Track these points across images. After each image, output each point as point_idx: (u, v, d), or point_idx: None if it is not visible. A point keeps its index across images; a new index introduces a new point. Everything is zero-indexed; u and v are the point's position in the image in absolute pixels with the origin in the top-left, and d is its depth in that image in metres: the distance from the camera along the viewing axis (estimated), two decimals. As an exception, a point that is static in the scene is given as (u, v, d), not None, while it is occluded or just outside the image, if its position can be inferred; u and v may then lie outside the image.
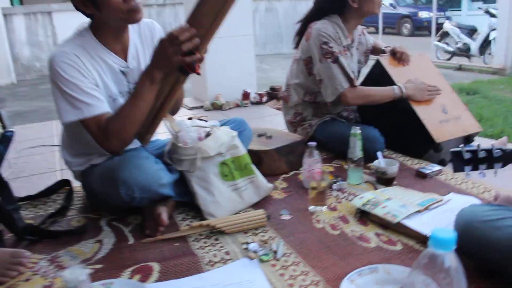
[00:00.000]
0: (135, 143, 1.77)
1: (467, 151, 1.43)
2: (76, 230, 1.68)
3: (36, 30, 8.64)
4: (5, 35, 8.16)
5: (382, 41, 2.59)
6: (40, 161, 2.68)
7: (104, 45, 1.61)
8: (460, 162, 1.43)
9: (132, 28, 1.68)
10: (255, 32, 9.67)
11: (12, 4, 12.17)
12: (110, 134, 1.51)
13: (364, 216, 1.66)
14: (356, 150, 1.93)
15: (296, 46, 2.39)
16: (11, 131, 1.55)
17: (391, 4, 14.13)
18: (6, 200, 1.77)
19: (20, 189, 2.16)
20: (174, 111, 1.84)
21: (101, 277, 1.32)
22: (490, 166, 1.44)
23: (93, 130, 1.53)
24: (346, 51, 2.25)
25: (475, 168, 1.45)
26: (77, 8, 1.56)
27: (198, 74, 1.49)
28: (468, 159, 1.43)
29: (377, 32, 9.46)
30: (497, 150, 1.42)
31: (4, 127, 1.61)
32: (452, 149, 1.44)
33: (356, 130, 1.91)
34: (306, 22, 2.31)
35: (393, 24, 13.87)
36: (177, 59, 1.43)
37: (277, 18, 10.04)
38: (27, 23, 8.56)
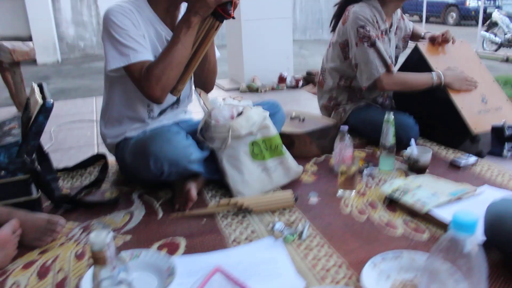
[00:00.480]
0: (171, 117, 1.83)
1: (510, 127, 1.39)
2: (109, 201, 1.74)
3: (81, 10, 8.84)
4: (52, 15, 8.39)
5: (426, 30, 2.52)
6: (79, 135, 2.77)
7: (156, 14, 1.69)
8: (500, 138, 1.40)
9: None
10: (295, 17, 9.63)
11: (59, -17, 12.49)
12: (152, 78, 1.56)
13: (393, 202, 1.65)
14: (389, 136, 1.90)
15: (333, 29, 2.36)
16: (51, 102, 1.61)
17: (437, -8, 13.69)
18: (45, 170, 1.86)
19: (59, 161, 2.26)
20: (207, 87, 1.89)
21: (130, 248, 1.37)
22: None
23: (136, 76, 1.59)
24: (384, 36, 2.20)
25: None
26: None
27: (233, 18, 1.58)
28: (509, 136, 1.39)
29: (420, 21, 9.22)
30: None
31: (44, 98, 1.67)
32: (493, 124, 1.41)
33: (390, 116, 1.88)
34: (344, 4, 2.28)
35: (438, 13, 13.44)
36: (212, 1, 1.51)
37: (318, 3, 9.90)
38: (72, 3, 8.77)
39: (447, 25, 12.97)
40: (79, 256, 1.38)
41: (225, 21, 1.61)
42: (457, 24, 12.85)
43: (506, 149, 1.40)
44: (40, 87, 1.89)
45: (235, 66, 4.28)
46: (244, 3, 3.80)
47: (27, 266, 1.33)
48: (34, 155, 1.67)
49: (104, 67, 1.69)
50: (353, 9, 2.16)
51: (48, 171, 1.93)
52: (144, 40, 1.64)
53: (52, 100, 1.63)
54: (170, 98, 1.82)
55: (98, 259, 0.82)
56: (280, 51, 4.12)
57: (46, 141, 2.53)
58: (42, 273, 1.30)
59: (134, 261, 1.29)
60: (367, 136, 2.30)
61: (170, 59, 1.56)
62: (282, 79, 4.02)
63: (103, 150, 2.18)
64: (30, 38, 7.71)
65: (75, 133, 2.81)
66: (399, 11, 2.35)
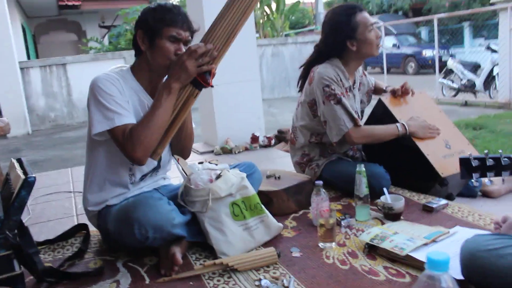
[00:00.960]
0: (151, 184, 1.88)
1: (475, 158, 1.49)
2: (94, 271, 1.74)
3: (51, 81, 8.95)
4: (22, 88, 8.47)
5: (388, 81, 2.70)
6: (57, 207, 2.76)
7: (139, 84, 1.81)
8: (468, 169, 1.49)
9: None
10: (262, 76, 9.95)
11: (28, 57, 12.66)
12: (134, 140, 1.63)
13: (372, 250, 1.71)
14: (362, 187, 1.99)
15: (300, 89, 2.50)
16: (33, 177, 1.65)
17: (394, 45, 14.44)
18: (26, 244, 1.84)
19: (38, 234, 2.25)
20: (185, 153, 1.97)
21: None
22: (498, 174, 1.50)
23: (119, 138, 1.66)
24: (348, 92, 2.35)
25: (483, 175, 1.50)
26: (134, 42, 1.80)
27: (212, 86, 1.73)
28: (476, 167, 1.48)
29: (382, 72, 9.67)
30: (505, 158, 1.48)
31: (25, 173, 1.70)
32: (461, 156, 1.50)
33: (361, 168, 1.98)
34: (308, 66, 2.43)
35: (398, 64, 14.15)
36: (193, 70, 1.64)
37: (283, 62, 10.30)
38: (42, 75, 8.89)
39: (407, 74, 13.63)
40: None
41: None
42: (416, 73, 13.52)
43: (474, 179, 1.50)
44: (20, 162, 1.92)
45: (208, 129, 4.38)
46: (214, 68, 3.95)
47: None
48: (15, 230, 1.68)
49: (88, 132, 1.77)
50: (318, 70, 2.31)
51: (29, 244, 1.90)
52: (128, 105, 1.73)
53: (34, 175, 1.66)
54: (151, 163, 1.88)
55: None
56: (251, 112, 4.26)
57: (24, 214, 2.51)
58: None
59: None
60: (341, 188, 2.39)
61: (152, 122, 1.65)
62: (254, 139, 4.12)
63: (83, 220, 2.19)
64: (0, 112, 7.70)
65: (53, 204, 2.81)
66: (360, 68, 2.52)
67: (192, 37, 1.80)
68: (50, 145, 6.66)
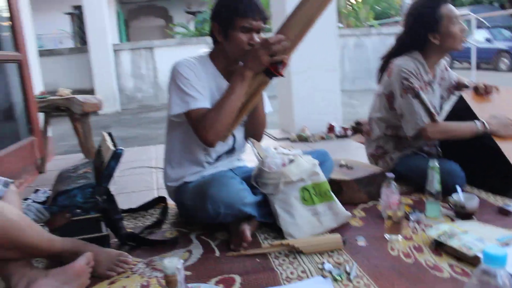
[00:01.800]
0: (226, 164, 1.99)
1: None
2: (169, 240, 1.89)
3: (140, 64, 9.45)
4: (114, 68, 9.02)
5: (477, 77, 2.61)
6: (139, 180, 2.98)
7: (217, 69, 1.93)
8: None
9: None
10: (344, 67, 9.84)
11: (120, 41, 13.40)
12: (207, 125, 1.75)
13: (439, 247, 1.70)
14: (434, 183, 1.97)
15: (379, 81, 2.49)
16: (121, 149, 1.82)
17: (486, 39, 13.60)
18: (113, 210, 2.04)
19: (122, 203, 2.44)
20: (256, 138, 2.06)
21: (190, 283, 1.49)
22: None
23: (193, 121, 1.80)
24: (428, 87, 2.31)
25: None
26: (211, 33, 1.91)
27: (282, 76, 1.77)
28: None
29: (470, 68, 9.20)
30: None
31: (115, 146, 1.87)
32: None
33: (434, 163, 1.96)
34: (388, 58, 2.42)
35: (489, 59, 13.31)
36: (265, 60, 1.70)
37: (366, 53, 10.10)
38: (132, 58, 9.40)
39: (499, 71, 12.80)
40: (144, 287, 1.52)
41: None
42: (511, 70, 12.64)
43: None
44: (110, 136, 2.11)
45: (285, 117, 4.45)
46: (294, 56, 4.00)
47: (99, 294, 1.49)
48: (104, 196, 1.86)
49: (167, 113, 1.91)
50: (397, 62, 2.29)
51: (115, 211, 2.11)
52: (204, 90, 1.85)
53: (122, 147, 1.83)
54: (226, 145, 2.00)
55: (170, 282, 0.95)
56: (329, 102, 4.27)
57: (111, 185, 2.74)
58: (113, 302, 1.44)
59: (194, 294, 1.41)
60: (414, 183, 2.36)
61: (224, 107, 1.75)
62: (331, 129, 4.14)
63: (162, 194, 2.36)
64: (93, 91, 8.28)
65: (136, 178, 3.03)
66: (442, 62, 2.46)
67: (265, 24, 1.86)
68: (136, 124, 7.07)
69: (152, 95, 9.53)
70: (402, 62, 2.27)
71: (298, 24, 1.77)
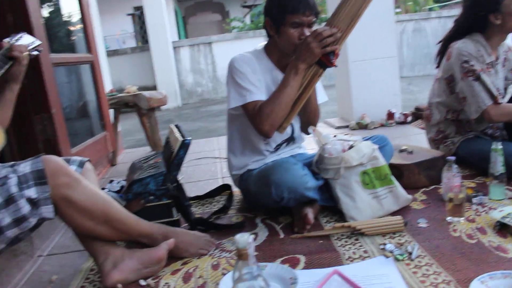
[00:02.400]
0: (288, 152, 2.08)
1: None
2: (236, 224, 2.00)
3: (199, 59, 9.69)
4: (174, 65, 9.32)
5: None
6: (204, 170, 3.13)
7: (272, 62, 2.01)
8: None
9: None
10: (402, 53, 9.61)
11: (179, 38, 13.79)
12: (262, 115, 1.85)
13: (503, 229, 1.70)
14: (498, 165, 1.95)
15: (438, 65, 2.47)
16: (189, 139, 1.94)
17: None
18: (182, 197, 2.18)
19: (189, 191, 2.59)
20: (311, 125, 2.10)
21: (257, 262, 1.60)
22: None
23: (250, 113, 1.90)
24: (490, 68, 2.27)
25: None
26: (264, 27, 1.99)
27: (335, 66, 1.82)
28: None
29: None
30: None
31: (183, 136, 2.01)
32: None
33: (497, 145, 1.94)
34: (447, 41, 2.39)
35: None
36: (318, 51, 1.76)
37: (425, 38, 9.81)
38: (191, 54, 9.67)
39: None
40: (214, 267, 1.63)
41: None
42: None
43: None
44: (177, 127, 2.25)
45: (344, 105, 4.47)
46: (351, 45, 4.02)
47: (174, 272, 1.62)
48: (175, 184, 1.99)
49: (227, 107, 2.02)
50: (457, 45, 2.27)
51: (184, 198, 2.25)
52: (260, 83, 1.94)
53: (190, 137, 1.96)
54: (284, 134, 2.08)
55: (242, 255, 1.05)
56: (388, 88, 4.24)
57: (179, 174, 2.91)
58: (186, 278, 1.57)
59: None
60: (477, 167, 2.33)
61: (279, 99, 1.83)
62: (390, 116, 4.12)
63: (227, 182, 2.48)
64: (155, 87, 8.61)
65: (201, 168, 3.18)
66: (506, 43, 2.40)
67: (317, 17, 1.90)
68: (197, 117, 7.30)
69: (211, 89, 9.77)
70: (462, 45, 2.25)
71: (348, 14, 1.81)
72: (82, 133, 3.25)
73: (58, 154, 2.51)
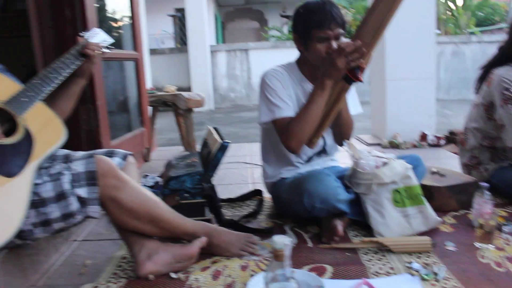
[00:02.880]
0: (321, 163, 2.11)
1: None
2: (265, 229, 2.05)
3: (234, 65, 9.82)
4: (210, 69, 9.47)
5: None
6: (236, 174, 3.20)
7: (303, 75, 2.05)
8: None
9: None
10: (439, 76, 9.52)
11: (217, 42, 13.99)
12: (289, 133, 1.89)
13: (533, 259, 1.70)
14: (532, 196, 1.95)
15: (477, 91, 2.48)
16: (228, 142, 2.01)
17: None
18: (215, 198, 2.24)
19: (221, 193, 2.65)
20: (343, 137, 2.14)
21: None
22: None
23: (278, 129, 1.95)
24: (531, 99, 2.26)
25: None
26: (295, 41, 2.02)
27: (361, 81, 1.81)
28: None
29: None
30: None
31: (221, 138, 2.07)
32: None
33: (533, 176, 1.94)
34: (489, 68, 2.40)
35: None
36: (343, 67, 1.77)
37: (464, 62, 9.69)
38: (227, 59, 9.80)
39: None
40: (243, 267, 1.68)
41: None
42: None
43: None
44: (216, 130, 2.32)
45: (377, 123, 4.47)
46: (389, 63, 4.05)
47: (203, 269, 1.67)
48: (210, 184, 2.06)
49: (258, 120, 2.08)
50: (499, 72, 2.27)
51: (216, 199, 2.32)
52: (290, 99, 1.99)
53: (229, 141, 2.02)
54: (316, 148, 2.11)
55: (278, 256, 1.10)
56: (423, 109, 4.23)
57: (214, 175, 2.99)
58: (215, 276, 1.62)
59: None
60: (509, 196, 2.33)
61: (305, 117, 1.87)
62: (423, 137, 4.11)
63: (258, 187, 2.54)
64: (190, 89, 8.76)
65: (233, 172, 3.25)
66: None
67: (344, 29, 1.90)
68: (229, 122, 7.39)
69: (244, 95, 9.87)
70: (504, 72, 2.25)
71: (372, 27, 1.80)
72: (121, 127, 3.36)
73: (99, 145, 2.62)
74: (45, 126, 1.50)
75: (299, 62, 2.09)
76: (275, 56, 9.27)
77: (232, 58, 9.83)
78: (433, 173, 2.44)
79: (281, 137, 1.95)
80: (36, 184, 1.42)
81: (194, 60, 9.28)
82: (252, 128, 6.41)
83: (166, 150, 4.37)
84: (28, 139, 1.43)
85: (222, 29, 17.20)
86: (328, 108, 1.91)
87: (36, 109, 1.49)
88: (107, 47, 1.83)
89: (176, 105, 3.69)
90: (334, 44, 1.86)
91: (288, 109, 1.96)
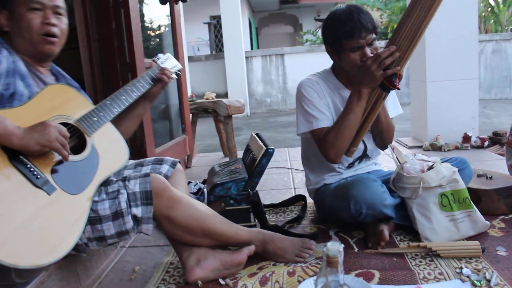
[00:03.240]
0: (364, 168, 2.11)
1: None
2: (310, 235, 2.05)
3: (270, 70, 9.86)
4: (245, 74, 9.54)
5: None
6: (277, 179, 3.22)
7: (340, 81, 2.04)
8: None
9: None
10: (479, 75, 9.25)
11: (251, 47, 14.08)
12: (327, 143, 1.90)
13: None
14: None
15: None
16: (272, 148, 2.03)
17: None
18: (260, 204, 2.27)
19: (263, 199, 2.67)
20: (384, 144, 2.12)
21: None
22: None
23: (316, 139, 1.96)
24: None
25: None
26: (327, 52, 2.01)
27: (398, 89, 1.78)
28: None
29: None
30: None
31: (266, 145, 2.10)
32: None
33: None
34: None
35: None
36: (379, 75, 1.74)
37: (505, 60, 9.40)
38: (263, 64, 9.85)
39: None
40: (290, 274, 1.69)
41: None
42: None
43: None
44: (259, 136, 2.35)
45: (418, 125, 4.41)
46: (430, 65, 3.99)
47: (251, 275, 1.69)
48: (255, 190, 2.09)
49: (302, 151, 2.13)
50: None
51: (260, 205, 2.34)
52: (327, 108, 1.98)
53: (273, 147, 2.05)
54: (356, 152, 2.08)
55: (331, 263, 1.11)
56: (465, 111, 4.15)
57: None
58: (263, 282, 1.64)
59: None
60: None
61: (343, 127, 1.86)
62: (466, 139, 4.02)
63: (299, 192, 2.55)
64: (226, 95, 8.85)
65: (274, 177, 3.27)
66: None
67: (376, 33, 1.86)
68: (266, 127, 7.42)
69: (280, 100, 9.89)
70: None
71: (408, 33, 1.74)
72: (164, 135, 3.44)
73: (144, 153, 2.69)
74: (111, 146, 1.57)
75: (335, 69, 2.08)
76: (311, 60, 9.30)
77: (268, 63, 9.87)
78: (480, 175, 2.39)
79: (319, 147, 1.96)
80: (94, 201, 1.48)
81: (230, 66, 9.37)
82: (289, 132, 6.42)
83: (206, 156, 4.44)
84: (94, 157, 1.49)
85: (257, 35, 17.28)
86: (365, 116, 1.89)
87: (104, 128, 1.56)
88: (176, 73, 1.88)
89: (216, 112, 3.74)
90: (368, 51, 1.83)
91: (325, 119, 1.96)
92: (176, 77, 1.88)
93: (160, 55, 1.83)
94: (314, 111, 1.96)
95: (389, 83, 1.77)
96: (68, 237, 1.29)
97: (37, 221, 1.24)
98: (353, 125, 1.86)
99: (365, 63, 1.77)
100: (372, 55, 1.82)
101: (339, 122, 1.88)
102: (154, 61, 1.80)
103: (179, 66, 1.91)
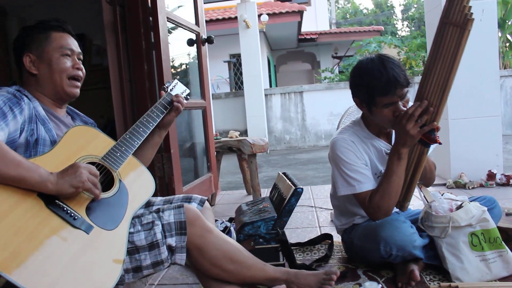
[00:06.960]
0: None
1: None
2: (339, 273, 2.05)
3: (289, 107, 9.97)
4: (264, 111, 9.66)
5: None
6: (302, 218, 3.22)
7: (372, 133, 2.04)
8: None
9: None
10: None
11: (270, 85, 14.30)
12: (374, 207, 1.90)
13: None
14: None
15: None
16: (301, 188, 2.06)
17: None
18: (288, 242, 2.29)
19: (288, 237, 2.68)
20: (429, 183, 2.13)
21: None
22: None
23: (361, 202, 1.96)
24: None
25: None
26: (357, 104, 2.01)
27: (440, 143, 1.77)
28: None
29: None
30: None
31: (294, 184, 2.13)
32: None
33: None
34: None
35: None
36: (416, 133, 1.75)
37: (527, 96, 9.39)
38: (282, 101, 9.98)
39: None
40: (321, 313, 1.70)
41: None
42: None
43: None
44: (286, 175, 2.39)
45: (441, 162, 4.40)
46: (451, 103, 4.01)
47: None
48: (284, 229, 2.11)
49: (333, 190, 2.11)
50: None
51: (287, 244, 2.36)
52: (367, 168, 1.98)
53: (302, 187, 2.08)
54: None
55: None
56: (489, 148, 4.13)
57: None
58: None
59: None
60: None
61: (388, 190, 1.87)
62: (491, 176, 3.99)
63: (325, 231, 2.56)
64: (246, 132, 8.94)
65: (298, 216, 3.28)
66: None
67: (408, 86, 1.82)
68: (285, 164, 7.44)
69: (299, 137, 9.95)
70: None
71: (437, 85, 1.71)
72: (191, 173, 3.50)
73: (172, 191, 2.74)
74: (137, 178, 1.62)
75: (365, 121, 2.06)
76: (329, 97, 9.41)
77: (287, 100, 9.99)
78: (508, 214, 2.38)
79: (365, 210, 1.95)
80: (130, 233, 1.52)
81: (249, 104, 9.52)
82: (309, 170, 6.43)
83: (229, 194, 4.48)
84: (123, 191, 1.54)
85: (275, 72, 17.54)
86: (411, 173, 1.89)
87: (128, 162, 1.62)
88: (186, 97, 1.95)
89: (240, 150, 3.80)
90: (401, 105, 1.82)
91: (368, 181, 1.94)
92: (186, 101, 1.91)
93: (167, 83, 1.89)
94: (355, 174, 1.94)
95: (428, 139, 1.76)
96: (112, 272, 1.33)
97: (81, 260, 1.28)
98: (397, 186, 1.86)
99: (400, 123, 1.76)
100: (404, 108, 1.82)
101: (383, 185, 1.87)
102: (164, 89, 1.86)
103: (188, 91, 1.96)
